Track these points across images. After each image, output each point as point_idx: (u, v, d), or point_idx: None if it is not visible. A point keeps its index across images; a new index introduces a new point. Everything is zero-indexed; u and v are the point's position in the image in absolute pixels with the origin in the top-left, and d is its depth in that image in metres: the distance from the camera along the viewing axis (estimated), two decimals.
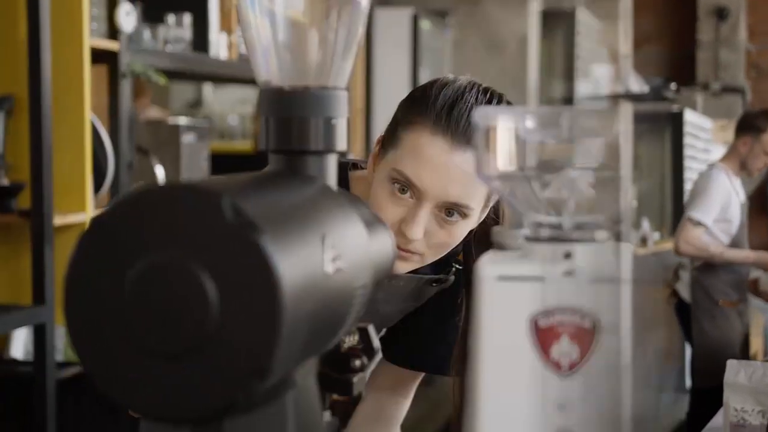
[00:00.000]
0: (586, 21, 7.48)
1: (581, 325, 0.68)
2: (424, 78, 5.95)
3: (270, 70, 0.83)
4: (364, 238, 0.78)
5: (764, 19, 9.75)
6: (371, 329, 0.87)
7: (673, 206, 7.14)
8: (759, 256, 4.44)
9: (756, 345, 4.90)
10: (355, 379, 0.83)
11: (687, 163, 6.93)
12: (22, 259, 2.46)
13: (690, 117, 6.93)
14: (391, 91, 5.11)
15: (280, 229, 0.64)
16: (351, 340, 0.88)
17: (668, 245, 6.60)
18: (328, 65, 0.83)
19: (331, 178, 0.83)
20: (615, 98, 5.35)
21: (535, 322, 0.69)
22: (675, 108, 6.65)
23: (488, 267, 0.70)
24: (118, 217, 0.63)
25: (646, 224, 6.29)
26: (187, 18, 3.04)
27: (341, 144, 0.83)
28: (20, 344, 2.64)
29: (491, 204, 1.33)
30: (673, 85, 6.13)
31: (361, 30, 0.85)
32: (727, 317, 4.40)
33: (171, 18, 3.04)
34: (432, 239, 1.26)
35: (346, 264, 0.73)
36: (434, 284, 1.40)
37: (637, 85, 5.68)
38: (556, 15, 6.88)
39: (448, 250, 1.30)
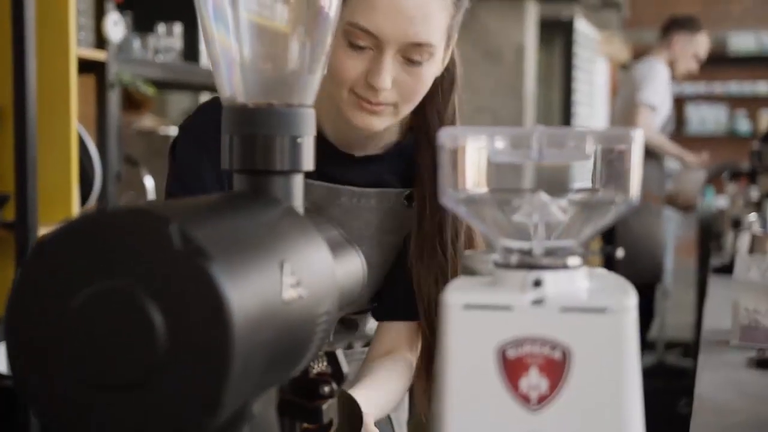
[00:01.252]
0: (584, 30, 7.48)
1: (551, 357, 0.65)
2: None
3: (234, 86, 0.80)
4: (328, 262, 0.75)
5: None
6: (340, 353, 0.84)
7: (562, 116, 7.25)
8: (695, 157, 4.84)
9: None
10: (325, 406, 0.80)
11: (574, 73, 7.07)
12: (6, 272, 2.43)
13: (580, 26, 7.02)
14: None
15: (234, 255, 0.61)
16: (319, 366, 0.85)
17: None
18: (294, 81, 0.80)
19: (297, 199, 0.80)
20: None
21: (503, 353, 0.66)
22: (565, 16, 6.74)
23: (454, 294, 0.67)
24: (63, 241, 0.60)
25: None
26: (178, 27, 3.01)
27: (308, 163, 0.80)
28: (4, 357, 2.61)
29: (452, 44, 1.30)
30: None
31: (328, 44, 0.82)
32: (653, 213, 4.47)
33: (161, 27, 3.02)
34: (401, 87, 1.23)
35: (308, 290, 0.69)
36: (406, 201, 1.37)
37: None
38: (554, 24, 6.87)
39: (421, 97, 1.26)
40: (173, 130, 3.22)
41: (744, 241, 2.96)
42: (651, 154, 4.46)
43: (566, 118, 7.34)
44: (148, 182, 2.92)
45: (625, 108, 4.42)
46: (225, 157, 0.79)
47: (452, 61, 1.35)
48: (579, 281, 0.69)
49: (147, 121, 3.69)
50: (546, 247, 0.69)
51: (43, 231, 2.39)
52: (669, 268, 5.88)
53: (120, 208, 0.60)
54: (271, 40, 0.80)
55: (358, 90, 1.23)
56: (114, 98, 2.68)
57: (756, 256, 1.94)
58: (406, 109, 1.26)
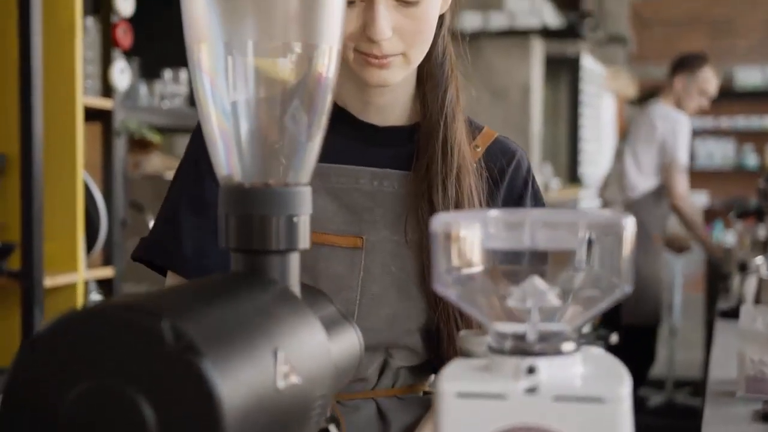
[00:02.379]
0: (590, 66, 7.50)
1: None
2: None
3: (231, 165, 0.81)
4: (323, 344, 0.75)
5: None
6: (333, 429, 0.84)
7: (569, 152, 7.27)
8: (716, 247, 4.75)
9: None
10: None
11: (581, 109, 7.10)
12: (11, 321, 2.43)
13: (586, 62, 7.05)
14: None
15: (226, 348, 0.62)
16: None
17: (571, 193, 6.70)
18: (291, 159, 0.81)
19: (293, 278, 0.80)
20: (529, 33, 5.35)
21: None
22: (571, 53, 6.76)
23: (448, 383, 0.67)
24: (55, 337, 0.60)
25: (547, 170, 6.31)
26: (184, 73, 3.03)
27: (304, 242, 0.80)
28: None
29: None
30: (589, 21, 6.12)
31: (324, 122, 0.83)
32: (658, 255, 4.48)
33: (168, 73, 3.04)
34: (403, 33, 1.16)
35: (303, 376, 0.69)
36: None
37: (552, 18, 5.64)
38: (560, 61, 6.90)
39: (429, 40, 1.19)
40: None
41: (751, 285, 2.94)
42: (657, 194, 4.47)
43: (573, 154, 7.36)
44: None
45: (659, 162, 4.42)
46: (222, 235, 0.80)
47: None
48: (573, 367, 0.68)
49: (155, 160, 3.70)
50: (540, 331, 0.69)
51: (48, 281, 2.40)
52: (677, 305, 5.85)
53: (114, 302, 0.61)
54: (269, 119, 0.80)
55: (361, 47, 1.16)
56: (120, 146, 2.69)
57: (761, 307, 1.93)
58: (417, 55, 1.18)
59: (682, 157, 4.36)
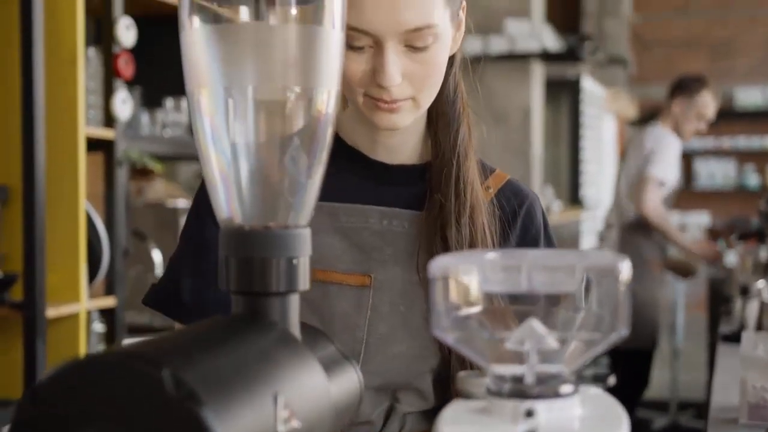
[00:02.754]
0: (590, 88, 7.53)
1: None
2: None
3: (231, 208, 0.81)
4: (323, 386, 0.75)
5: None
6: None
7: (570, 174, 7.28)
8: (702, 249, 4.71)
9: None
10: None
11: (581, 131, 7.11)
12: (14, 352, 2.43)
13: (586, 84, 7.06)
14: None
15: (227, 395, 0.62)
16: None
17: (573, 215, 6.72)
18: (291, 201, 0.82)
19: (293, 319, 0.80)
20: (529, 57, 5.36)
21: None
22: (572, 75, 6.78)
23: (447, 426, 0.68)
24: (56, 385, 0.61)
25: (549, 192, 6.32)
26: (185, 102, 3.05)
27: (304, 283, 0.81)
28: None
29: (462, 16, 1.22)
30: (588, 45, 6.12)
31: (323, 164, 0.83)
32: (654, 280, 4.45)
33: (169, 102, 3.05)
34: (413, 78, 1.14)
35: (303, 419, 0.70)
36: None
37: (552, 42, 5.65)
38: (561, 83, 6.93)
39: (439, 84, 1.17)
40: (181, 203, 3.24)
41: (753, 309, 2.94)
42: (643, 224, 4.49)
43: (574, 176, 7.38)
44: (156, 256, 2.94)
45: (636, 178, 4.46)
46: (222, 277, 0.81)
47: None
48: (572, 409, 0.69)
49: (158, 186, 3.72)
50: (538, 373, 0.70)
51: (51, 311, 2.40)
52: (680, 326, 5.85)
53: (113, 351, 0.61)
54: (268, 162, 0.81)
55: (370, 92, 1.15)
56: (122, 175, 2.70)
57: (763, 333, 1.93)
58: (426, 99, 1.18)
59: (657, 171, 4.36)
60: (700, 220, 10.20)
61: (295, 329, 0.80)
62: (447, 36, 1.16)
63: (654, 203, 4.34)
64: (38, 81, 2.37)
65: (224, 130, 0.80)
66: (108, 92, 2.67)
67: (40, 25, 2.37)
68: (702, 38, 10.13)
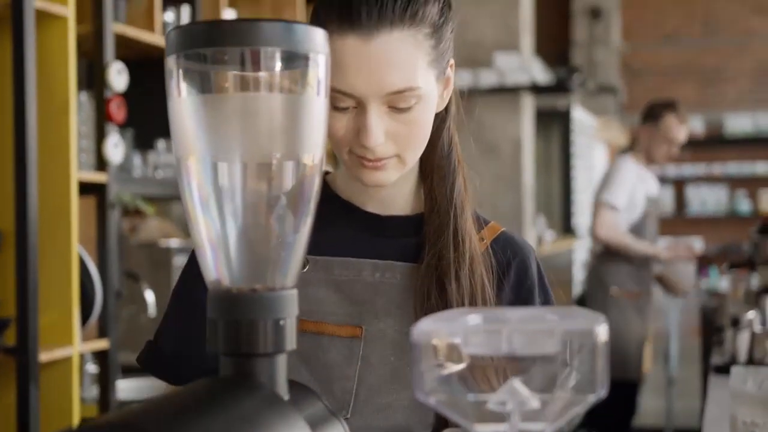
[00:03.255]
0: (581, 118, 7.58)
1: None
2: None
3: (219, 271, 0.83)
4: None
5: (638, 19, 10.04)
6: None
7: (562, 204, 7.29)
8: (673, 250, 4.63)
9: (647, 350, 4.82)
10: None
11: (573, 160, 7.14)
12: (7, 397, 2.43)
13: (577, 114, 7.10)
14: None
15: None
16: None
17: (565, 244, 6.73)
18: (277, 263, 0.83)
19: (281, 379, 0.82)
20: (519, 89, 5.39)
21: None
22: (562, 106, 6.82)
23: None
24: None
25: (541, 222, 6.33)
26: None
27: (290, 344, 0.83)
28: None
29: (448, 73, 1.22)
30: (577, 77, 6.16)
31: (308, 227, 0.85)
32: (622, 310, 4.38)
33: (161, 144, 3.07)
34: (397, 138, 1.15)
35: None
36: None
37: (541, 74, 5.69)
38: (551, 114, 6.97)
39: (424, 142, 1.18)
40: (174, 242, 3.25)
41: (743, 340, 2.95)
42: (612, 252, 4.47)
43: (566, 206, 7.41)
44: (149, 297, 2.95)
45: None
46: (210, 338, 0.82)
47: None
48: None
49: (151, 225, 3.73)
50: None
51: (44, 355, 2.41)
52: (674, 354, 5.86)
53: (99, 421, 0.63)
54: (255, 227, 0.83)
55: (355, 150, 1.17)
56: (114, 218, 2.72)
57: (752, 368, 1.94)
58: (411, 156, 1.19)
59: (608, 195, 4.39)
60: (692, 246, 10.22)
61: (283, 389, 0.82)
62: (432, 95, 1.17)
63: (605, 226, 4.38)
64: (31, 126, 2.39)
65: (211, 195, 0.82)
66: (100, 136, 2.69)
67: (32, 71, 2.39)
68: (691, 66, 10.21)
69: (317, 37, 0.81)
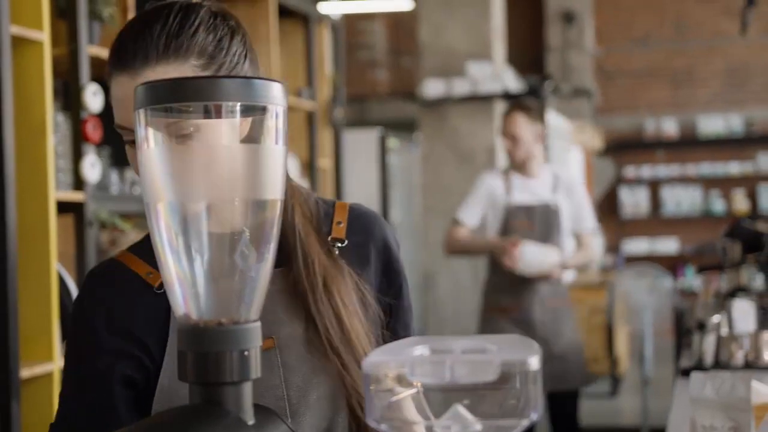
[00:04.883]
0: (556, 123, 7.67)
1: None
2: (394, 194, 6.11)
3: (187, 306, 0.90)
4: None
5: (610, 23, 10.19)
6: None
7: None
8: (494, 241, 4.16)
9: None
10: None
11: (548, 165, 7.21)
12: None
13: (551, 119, 7.20)
14: None
15: None
16: None
17: None
18: (242, 297, 0.90)
19: (246, 405, 0.89)
20: (491, 97, 5.36)
21: None
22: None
23: None
24: None
25: None
26: None
27: (255, 372, 0.89)
28: None
29: None
30: (549, 84, 6.19)
31: (270, 264, 0.92)
32: (496, 325, 4.16)
33: None
34: None
35: None
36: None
37: (513, 82, 5.70)
38: None
39: None
40: None
41: (710, 343, 3.02)
42: (493, 268, 4.22)
43: None
44: None
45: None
46: (181, 369, 0.89)
47: None
48: None
49: (131, 237, 3.77)
50: None
51: (24, 371, 2.46)
52: (648, 355, 5.95)
53: None
54: (220, 266, 0.90)
55: None
56: (92, 236, 2.77)
57: (711, 373, 2.01)
58: None
59: (458, 212, 4.21)
60: (668, 246, 10.37)
61: (248, 414, 0.89)
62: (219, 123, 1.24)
63: (446, 239, 4.21)
64: (8, 147, 2.45)
65: (179, 236, 0.89)
66: (77, 156, 2.74)
67: (9, 95, 2.44)
68: (663, 68, 10.33)
69: (274, 91, 0.88)
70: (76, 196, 2.73)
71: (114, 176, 3.02)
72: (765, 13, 6.33)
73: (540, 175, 4.22)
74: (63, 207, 2.70)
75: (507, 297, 4.16)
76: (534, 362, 0.77)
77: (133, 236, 3.79)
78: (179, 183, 0.88)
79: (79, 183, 2.75)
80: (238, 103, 0.87)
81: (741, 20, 4.87)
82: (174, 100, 0.86)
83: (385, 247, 1.36)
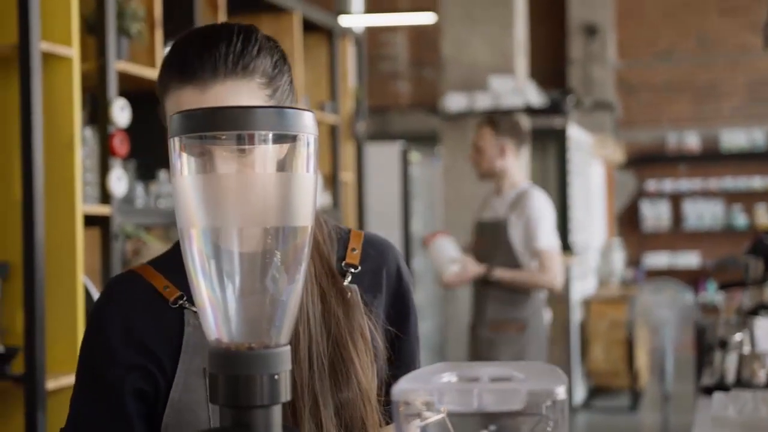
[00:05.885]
0: (577, 136, 7.67)
1: None
2: (416, 207, 6.12)
3: (219, 330, 0.91)
4: None
5: (633, 36, 10.15)
6: None
7: (559, 222, 7.35)
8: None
9: None
10: None
11: (569, 178, 7.21)
12: (15, 425, 2.51)
13: (573, 132, 7.19)
14: (384, 223, 5.25)
15: None
16: None
17: (563, 262, 6.77)
18: (272, 321, 0.92)
19: (276, 428, 0.90)
20: (513, 111, 5.38)
21: None
22: (557, 125, 6.89)
23: None
24: None
25: None
26: None
27: (285, 395, 0.91)
28: None
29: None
30: (571, 98, 6.19)
31: (300, 288, 0.94)
32: (496, 343, 4.06)
33: (163, 174, 3.16)
34: None
35: None
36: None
37: (535, 96, 5.70)
38: (547, 132, 7.06)
39: None
40: None
41: (732, 361, 3.02)
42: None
43: (563, 223, 7.48)
44: None
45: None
46: (212, 392, 0.91)
47: None
48: None
49: (154, 247, 3.80)
50: None
51: (50, 383, 2.49)
52: (669, 371, 5.93)
53: None
54: (252, 291, 0.92)
55: None
56: (118, 249, 2.80)
57: (733, 393, 2.02)
58: None
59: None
60: (689, 260, 10.32)
61: None
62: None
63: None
64: (37, 162, 2.48)
65: (211, 261, 0.91)
66: (104, 170, 2.78)
67: (39, 110, 2.48)
68: (686, 82, 10.30)
69: (306, 120, 0.90)
70: (102, 210, 2.76)
71: (140, 189, 3.06)
72: None
73: (506, 192, 4.18)
74: (89, 220, 2.73)
75: (509, 311, 4.09)
76: (561, 392, 0.78)
77: (156, 247, 3.83)
78: (212, 210, 0.90)
79: (105, 197, 2.78)
80: (271, 132, 0.88)
81: (764, 34, 4.85)
82: (208, 128, 0.88)
83: (398, 275, 1.37)
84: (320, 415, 1.23)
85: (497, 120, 4.22)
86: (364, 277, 1.33)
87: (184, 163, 0.89)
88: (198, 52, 1.20)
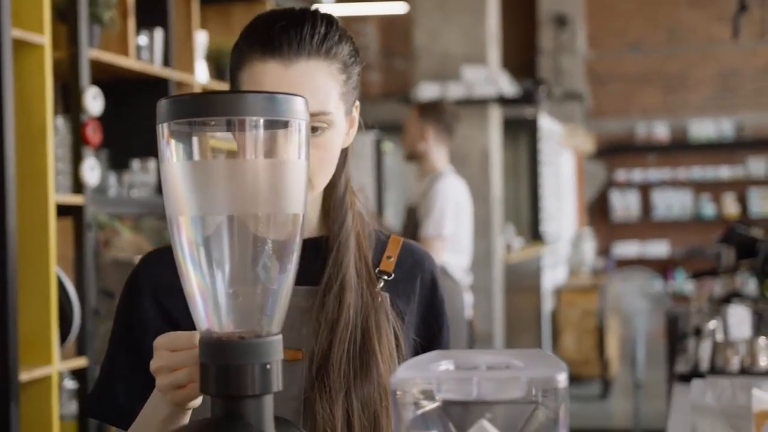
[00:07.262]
0: (548, 126, 7.69)
1: None
2: (389, 197, 6.11)
3: (209, 320, 0.90)
4: None
5: (603, 27, 10.23)
6: None
7: (530, 211, 7.42)
8: None
9: None
10: None
11: (540, 168, 7.27)
12: None
13: (544, 122, 7.24)
14: None
15: None
16: None
17: (533, 251, 6.83)
18: (263, 314, 0.90)
19: (267, 418, 0.89)
20: (486, 101, 5.39)
21: None
22: (529, 114, 6.92)
23: None
24: None
25: (510, 231, 6.42)
26: (152, 163, 3.12)
27: (277, 385, 0.90)
28: None
29: (356, 115, 1.30)
30: (543, 89, 6.22)
31: (291, 278, 0.92)
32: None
33: (136, 164, 3.13)
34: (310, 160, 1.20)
35: None
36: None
37: (508, 86, 5.74)
38: (519, 123, 7.08)
39: (332, 169, 1.25)
40: None
41: (706, 349, 3.03)
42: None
43: (534, 213, 7.51)
44: None
45: None
46: (203, 383, 0.89)
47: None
48: None
49: (124, 237, 3.76)
50: None
51: (23, 375, 2.45)
52: (641, 359, 5.97)
53: None
54: (242, 280, 0.90)
55: None
56: (91, 239, 2.77)
57: (711, 379, 2.02)
58: (320, 181, 1.25)
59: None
60: (659, 249, 10.39)
61: (269, 427, 0.89)
62: (341, 126, 1.25)
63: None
64: (9, 151, 2.44)
65: (201, 250, 0.89)
66: (77, 159, 2.74)
67: (10, 98, 2.44)
68: (655, 73, 10.35)
69: (297, 105, 0.88)
70: (75, 200, 2.72)
71: (112, 179, 3.02)
72: (757, 18, 6.35)
73: (424, 178, 4.18)
74: (62, 210, 2.69)
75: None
76: (562, 379, 0.77)
77: (127, 237, 3.79)
78: (200, 197, 0.88)
79: (78, 186, 2.74)
80: (261, 118, 0.87)
81: (733, 26, 4.89)
82: (198, 114, 0.87)
83: (432, 285, 1.36)
84: (344, 408, 1.23)
85: (425, 106, 4.28)
86: (398, 285, 1.33)
87: (172, 150, 0.87)
88: (284, 28, 1.21)
